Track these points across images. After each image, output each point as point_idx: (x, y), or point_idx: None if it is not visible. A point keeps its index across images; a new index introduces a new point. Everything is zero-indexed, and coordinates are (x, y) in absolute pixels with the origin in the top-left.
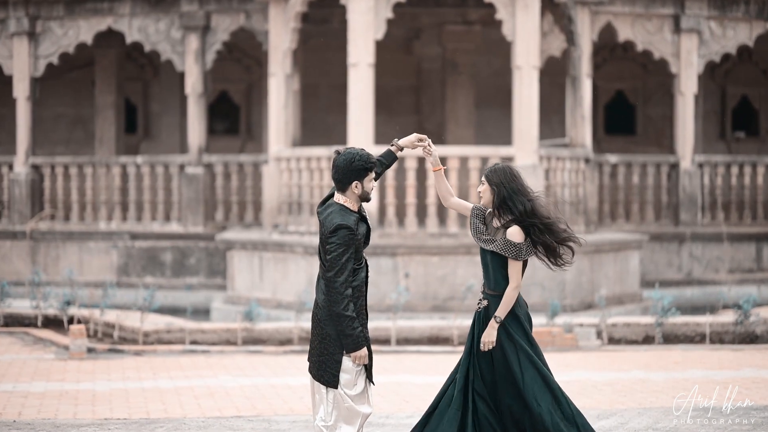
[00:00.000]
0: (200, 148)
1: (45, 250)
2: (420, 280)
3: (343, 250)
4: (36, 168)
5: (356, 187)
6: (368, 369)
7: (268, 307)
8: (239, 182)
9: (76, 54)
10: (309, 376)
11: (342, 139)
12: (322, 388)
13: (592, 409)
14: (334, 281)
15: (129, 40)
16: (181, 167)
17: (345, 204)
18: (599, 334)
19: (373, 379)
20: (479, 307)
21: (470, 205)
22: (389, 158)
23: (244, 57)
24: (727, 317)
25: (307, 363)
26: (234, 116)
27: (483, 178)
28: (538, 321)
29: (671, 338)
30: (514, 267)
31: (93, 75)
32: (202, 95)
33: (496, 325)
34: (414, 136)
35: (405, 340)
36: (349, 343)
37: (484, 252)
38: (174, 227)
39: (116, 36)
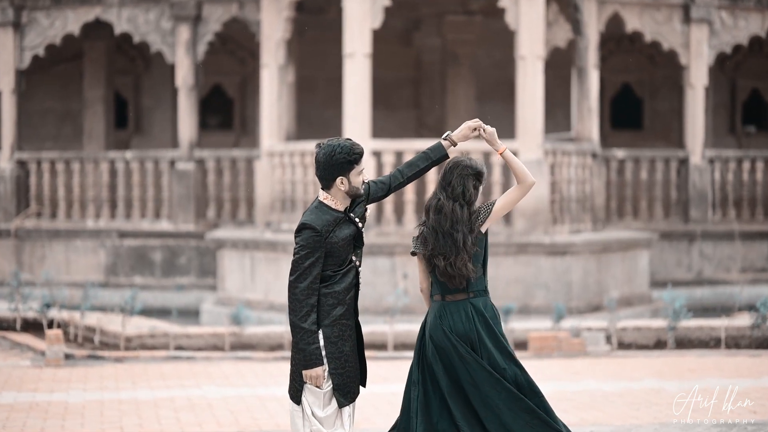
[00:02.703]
0: (191, 143)
1: (30, 249)
2: (418, 280)
3: (307, 253)
4: (22, 164)
5: (342, 183)
6: (342, 388)
7: (259, 309)
8: (232, 178)
9: (64, 46)
10: None
11: (338, 134)
12: (295, 405)
13: (604, 425)
14: (295, 287)
15: (118, 30)
16: (172, 163)
17: (325, 201)
18: (608, 339)
19: (347, 402)
20: None
21: None
22: (437, 153)
23: (238, 49)
24: (743, 320)
25: None
26: (228, 110)
27: None
28: (543, 325)
29: (684, 343)
30: None
31: (82, 68)
32: (194, 88)
33: None
34: (466, 127)
35: (403, 345)
36: (300, 359)
37: None
38: (164, 225)
39: (105, 27)
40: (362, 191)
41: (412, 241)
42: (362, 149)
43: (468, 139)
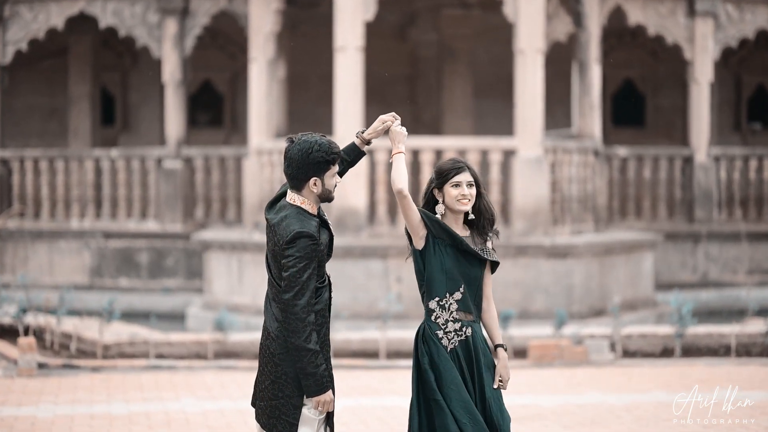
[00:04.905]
0: (179, 141)
1: (13, 251)
2: (413, 284)
3: (304, 265)
4: (4, 162)
5: (315, 184)
6: (331, 414)
7: (247, 314)
8: (221, 177)
9: (48, 40)
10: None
11: (330, 131)
12: None
13: None
14: (294, 305)
15: (103, 24)
16: (159, 161)
17: (303, 206)
18: (612, 346)
19: (332, 429)
20: (459, 339)
21: (416, 208)
22: (352, 154)
23: (228, 44)
24: (755, 326)
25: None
26: (218, 107)
27: (470, 177)
28: (543, 331)
29: (692, 350)
30: (491, 281)
31: (67, 63)
32: (182, 84)
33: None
34: (378, 119)
35: (396, 354)
36: (310, 385)
37: (470, 266)
38: (150, 225)
39: (90, 21)
40: (334, 195)
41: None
42: (339, 148)
43: (379, 133)
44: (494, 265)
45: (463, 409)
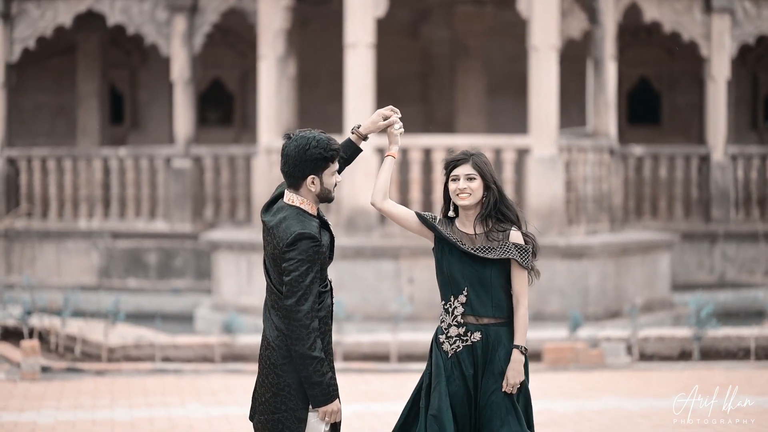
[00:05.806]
0: (188, 140)
1: (20, 251)
2: (425, 285)
3: (307, 268)
4: (12, 161)
5: (312, 183)
6: (336, 425)
7: (255, 315)
8: (230, 176)
9: (56, 38)
10: None
11: (340, 129)
12: None
13: None
14: (297, 311)
15: (111, 21)
16: (168, 160)
17: (302, 206)
18: (629, 349)
19: None
20: (463, 344)
21: (411, 212)
22: (349, 150)
23: (238, 41)
24: None
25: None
26: (228, 105)
27: (471, 168)
28: (558, 333)
29: (711, 353)
30: (525, 280)
31: (75, 61)
32: (190, 82)
33: (524, 358)
34: (377, 113)
35: (407, 357)
36: (317, 394)
37: (476, 266)
38: (159, 225)
39: (98, 18)
40: (334, 195)
41: (529, 257)
42: (339, 145)
43: (378, 128)
44: (526, 259)
45: (433, 417)
